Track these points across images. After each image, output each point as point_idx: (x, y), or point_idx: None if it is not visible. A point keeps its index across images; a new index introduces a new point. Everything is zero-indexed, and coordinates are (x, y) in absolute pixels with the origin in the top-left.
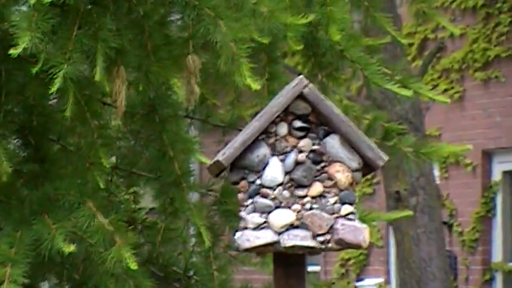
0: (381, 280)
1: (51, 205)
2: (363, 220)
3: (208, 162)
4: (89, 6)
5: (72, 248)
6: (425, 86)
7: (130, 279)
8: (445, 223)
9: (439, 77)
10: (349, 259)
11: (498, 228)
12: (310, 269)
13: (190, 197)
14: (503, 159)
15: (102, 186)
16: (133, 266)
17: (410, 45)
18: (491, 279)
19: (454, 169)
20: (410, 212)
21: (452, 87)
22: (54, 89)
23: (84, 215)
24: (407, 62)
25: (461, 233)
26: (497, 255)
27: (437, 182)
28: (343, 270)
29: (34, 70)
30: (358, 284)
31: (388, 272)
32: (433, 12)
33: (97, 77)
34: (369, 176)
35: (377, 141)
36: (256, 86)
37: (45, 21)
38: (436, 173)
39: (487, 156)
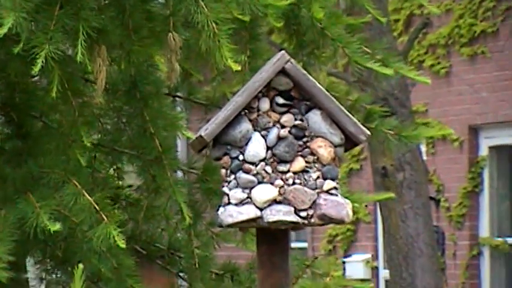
0: (368, 256)
1: (35, 183)
2: None
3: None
4: None
5: (57, 226)
6: (406, 65)
7: (112, 258)
8: (432, 198)
9: (426, 53)
10: (336, 235)
11: (485, 203)
12: (297, 245)
13: (174, 174)
14: (490, 135)
15: (83, 164)
16: (122, 243)
17: (396, 21)
18: (479, 254)
19: (440, 144)
20: (392, 194)
21: (438, 63)
22: (36, 69)
23: (69, 193)
24: (392, 39)
25: (448, 209)
26: (484, 231)
27: (424, 157)
28: (330, 247)
29: (16, 50)
30: (346, 260)
31: (375, 248)
32: None
33: (78, 57)
34: (355, 152)
35: None
36: (237, 67)
37: (29, 1)
38: (423, 148)
39: (474, 131)
